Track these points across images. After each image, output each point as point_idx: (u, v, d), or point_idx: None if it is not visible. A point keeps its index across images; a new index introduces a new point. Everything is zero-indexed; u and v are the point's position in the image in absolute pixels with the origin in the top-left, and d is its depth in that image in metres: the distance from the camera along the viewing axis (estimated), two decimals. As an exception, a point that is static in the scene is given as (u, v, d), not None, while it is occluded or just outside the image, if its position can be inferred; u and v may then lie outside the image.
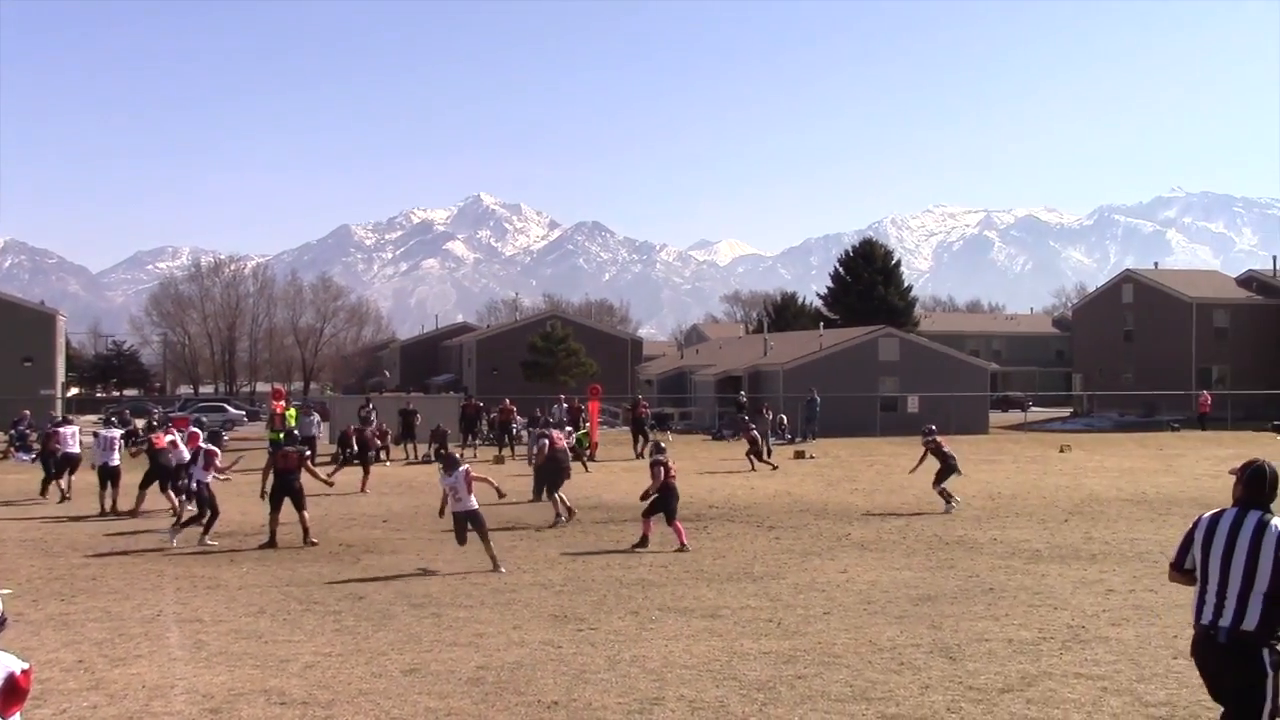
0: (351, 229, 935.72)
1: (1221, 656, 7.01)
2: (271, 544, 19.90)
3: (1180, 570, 7.47)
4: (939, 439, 26.78)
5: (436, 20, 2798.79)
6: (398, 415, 43.80)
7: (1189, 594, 14.94)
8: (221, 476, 21.67)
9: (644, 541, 19.54)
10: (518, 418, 45.54)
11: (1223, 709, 7.24)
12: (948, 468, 25.95)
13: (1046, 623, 13.25)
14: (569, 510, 23.61)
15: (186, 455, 23.54)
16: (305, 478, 20.88)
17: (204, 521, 20.44)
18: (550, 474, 24.42)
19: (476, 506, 17.38)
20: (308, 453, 21.69)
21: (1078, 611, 13.91)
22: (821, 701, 10.00)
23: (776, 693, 10.28)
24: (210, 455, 21.10)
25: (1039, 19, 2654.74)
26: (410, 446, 41.62)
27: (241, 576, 16.92)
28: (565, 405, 44.92)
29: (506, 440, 43.42)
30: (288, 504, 20.30)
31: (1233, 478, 7.51)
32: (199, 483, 20.62)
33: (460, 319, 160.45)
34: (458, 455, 19.21)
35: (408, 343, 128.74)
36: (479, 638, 12.63)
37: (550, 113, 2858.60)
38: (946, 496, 25.61)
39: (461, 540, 17.49)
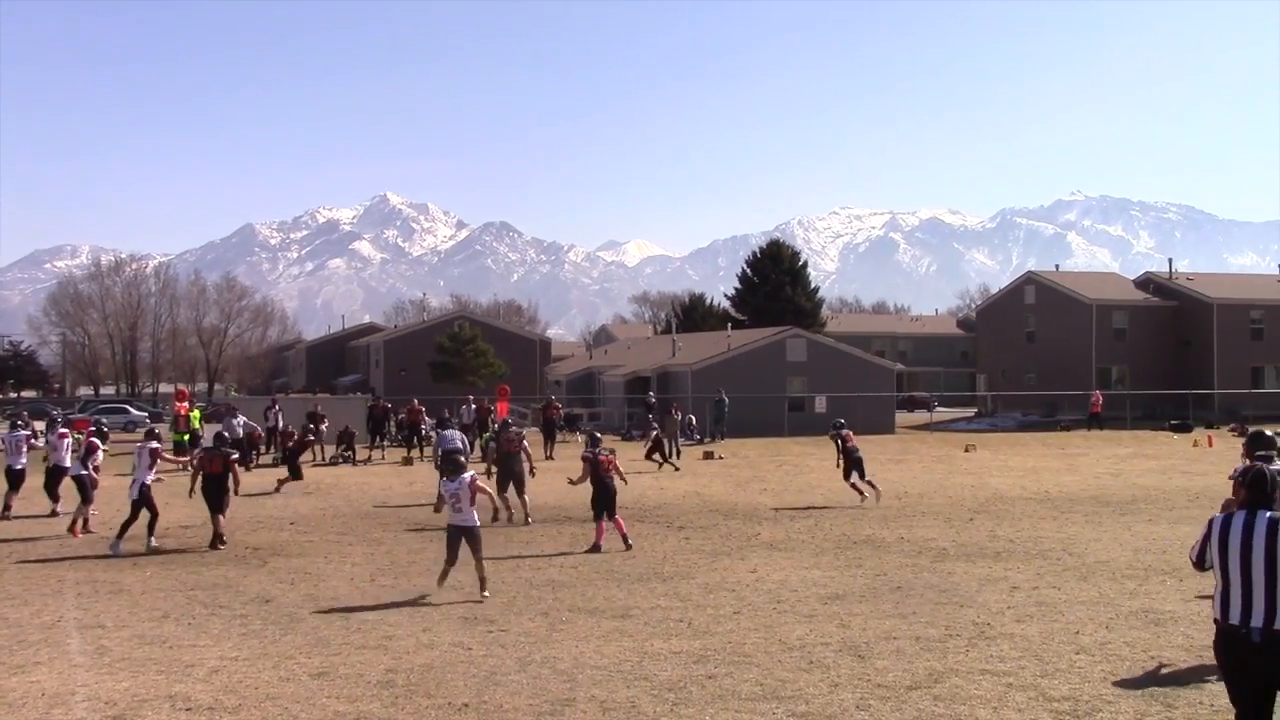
0: (256, 228, 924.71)
1: (1256, 655, 7.17)
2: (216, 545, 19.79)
3: (1202, 568, 7.65)
4: (846, 433, 27.06)
5: (343, 20, 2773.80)
6: (304, 417, 43.33)
7: (1092, 591, 15.26)
8: (155, 479, 21.33)
9: (596, 548, 19.36)
10: (426, 419, 45.24)
11: (1235, 711, 7.41)
12: (852, 461, 26.39)
13: (953, 620, 13.41)
14: (509, 511, 23.62)
15: (66, 459, 23.84)
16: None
17: (149, 523, 20.24)
18: (505, 475, 24.26)
19: (476, 522, 15.51)
20: (235, 455, 21.37)
21: (983, 609, 14.09)
22: (732, 701, 10.04)
23: (687, 693, 10.31)
24: (155, 454, 21.00)
25: (941, 25, 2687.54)
26: (316, 449, 41.18)
27: (145, 581, 16.65)
28: (474, 406, 44.74)
29: (415, 441, 43.10)
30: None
31: (1230, 481, 7.74)
32: (141, 484, 20.33)
33: (367, 319, 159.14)
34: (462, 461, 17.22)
35: (314, 343, 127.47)
36: (388, 640, 12.54)
37: (457, 112, 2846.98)
38: (860, 490, 26.17)
39: (453, 559, 15.32)
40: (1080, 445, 48.09)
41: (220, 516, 20.29)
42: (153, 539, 20.09)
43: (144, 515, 20.20)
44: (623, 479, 21.04)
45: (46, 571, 17.62)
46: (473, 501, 15.45)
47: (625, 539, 19.58)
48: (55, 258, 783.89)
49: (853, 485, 26.51)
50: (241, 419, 39.27)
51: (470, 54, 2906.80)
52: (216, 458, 20.65)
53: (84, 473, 22.69)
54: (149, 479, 20.65)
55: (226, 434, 23.22)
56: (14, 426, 25.72)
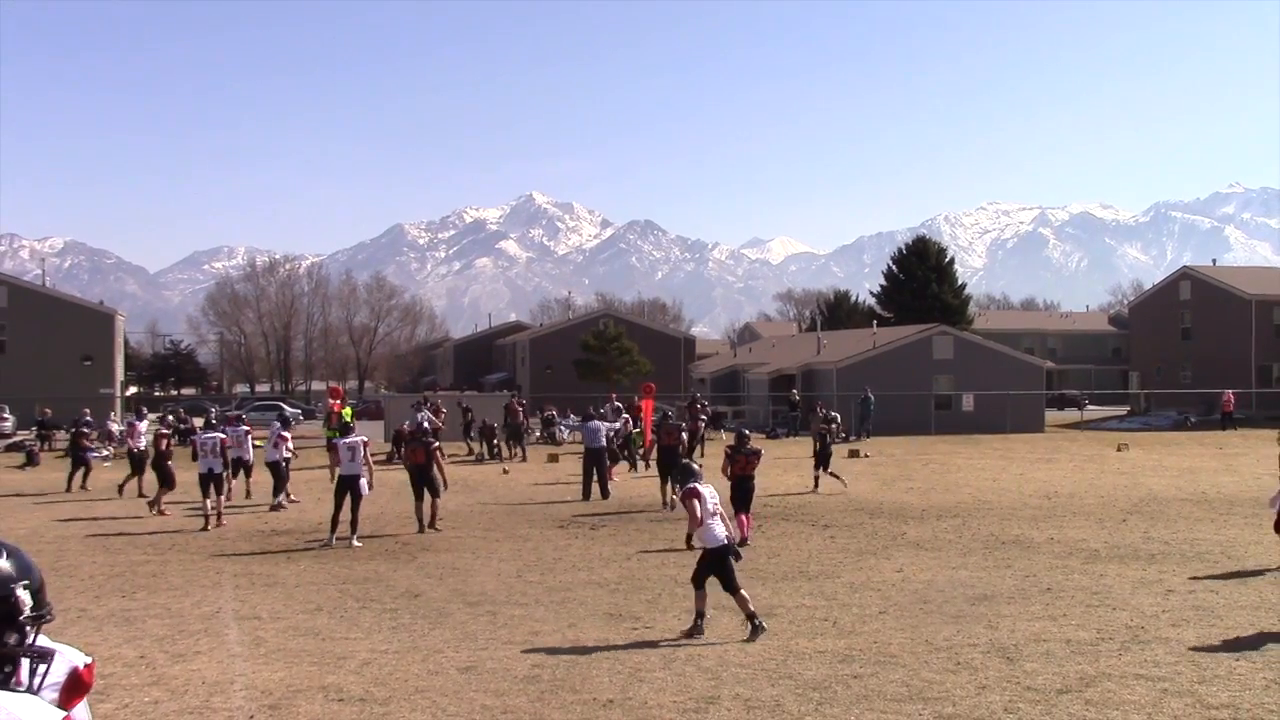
0: (405, 228, 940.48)
1: None
2: (331, 542, 20.15)
3: None
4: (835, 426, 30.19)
5: (491, 21, 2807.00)
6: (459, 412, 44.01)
7: (1252, 595, 14.84)
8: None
9: (743, 542, 19.15)
10: (572, 416, 45.56)
11: None
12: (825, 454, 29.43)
13: (1105, 623, 13.13)
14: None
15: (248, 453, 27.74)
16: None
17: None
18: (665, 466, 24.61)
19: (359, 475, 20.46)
20: (436, 445, 22.85)
21: (1137, 612, 13.78)
22: (877, 701, 9.96)
23: (832, 692, 10.25)
24: (281, 439, 26.54)
25: (1095, 15, 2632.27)
26: (467, 443, 41.83)
27: (299, 574, 17.05)
28: (617, 404, 44.75)
29: (551, 439, 43.33)
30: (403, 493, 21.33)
31: None
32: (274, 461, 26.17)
33: (513, 318, 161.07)
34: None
35: (461, 342, 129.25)
36: (534, 635, 12.67)
37: (602, 111, 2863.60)
38: (838, 476, 28.84)
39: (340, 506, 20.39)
40: (1239, 445, 46.75)
41: (435, 500, 22.12)
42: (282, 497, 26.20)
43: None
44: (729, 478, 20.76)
45: (206, 563, 18.13)
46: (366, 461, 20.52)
47: (745, 539, 19.16)
48: (213, 259, 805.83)
49: (832, 474, 28.92)
50: (425, 414, 39.80)
51: (615, 53, 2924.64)
52: (419, 449, 22.29)
53: (278, 459, 26.68)
54: (279, 455, 26.23)
55: (426, 425, 24.71)
56: (209, 426, 26.42)
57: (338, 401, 43.18)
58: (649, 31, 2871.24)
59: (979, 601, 14.52)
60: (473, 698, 10.18)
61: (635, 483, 31.02)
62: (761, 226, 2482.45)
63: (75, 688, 4.07)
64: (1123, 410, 78.48)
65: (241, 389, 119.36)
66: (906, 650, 11.81)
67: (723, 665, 11.21)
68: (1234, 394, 60.83)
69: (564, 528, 22.35)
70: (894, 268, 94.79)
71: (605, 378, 75.08)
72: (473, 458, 40.38)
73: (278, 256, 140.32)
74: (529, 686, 10.53)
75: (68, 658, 4.10)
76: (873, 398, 52.58)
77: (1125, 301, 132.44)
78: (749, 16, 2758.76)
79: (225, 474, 23.57)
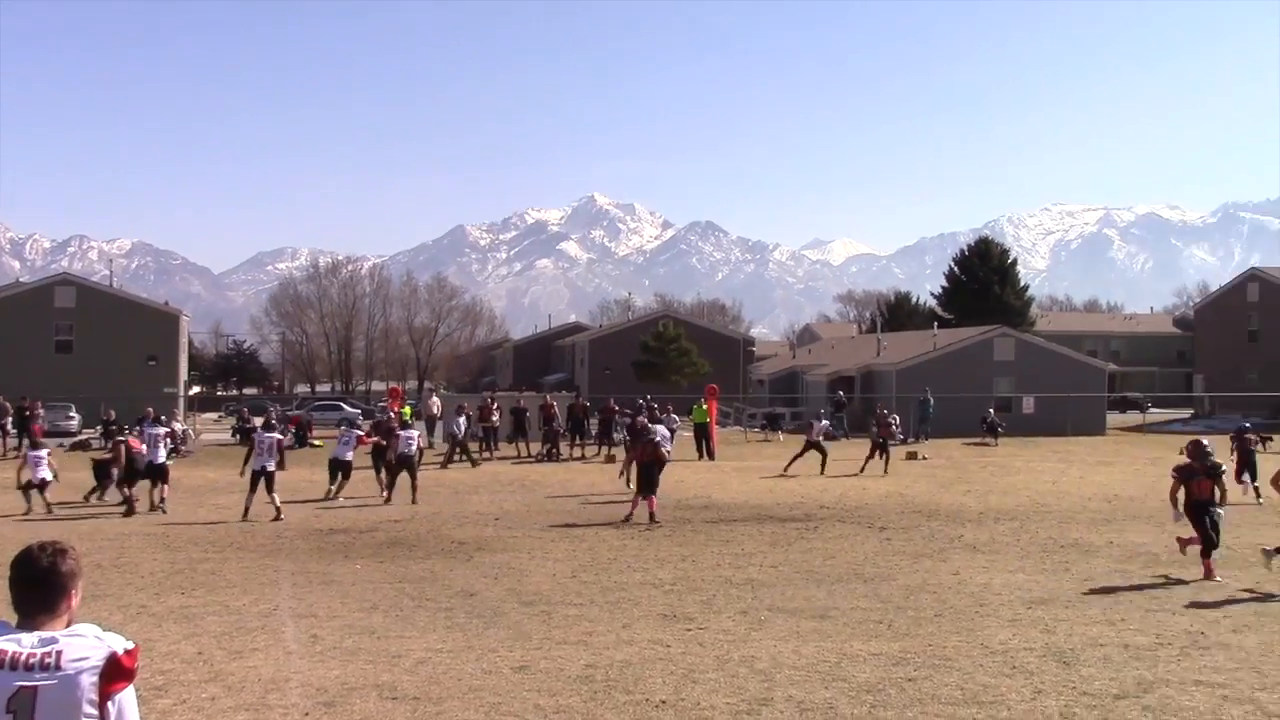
0: (466, 229, 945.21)
1: None
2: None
3: None
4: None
5: (551, 21, 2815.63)
6: (510, 414, 44.11)
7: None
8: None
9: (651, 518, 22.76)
10: (620, 417, 45.55)
11: None
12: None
13: (1164, 628, 12.99)
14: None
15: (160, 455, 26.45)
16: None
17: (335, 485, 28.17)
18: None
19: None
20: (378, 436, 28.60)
21: (1197, 617, 13.62)
22: (932, 705, 9.90)
23: (886, 695, 10.20)
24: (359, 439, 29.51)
25: (1156, 13, 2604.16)
26: (522, 444, 41.91)
27: (355, 572, 17.16)
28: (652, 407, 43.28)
29: (609, 439, 43.33)
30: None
31: None
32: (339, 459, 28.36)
33: (573, 319, 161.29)
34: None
35: (521, 342, 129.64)
36: (588, 636, 12.69)
37: (664, 112, 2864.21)
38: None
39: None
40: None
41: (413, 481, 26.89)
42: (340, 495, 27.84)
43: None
44: None
45: (264, 562, 18.28)
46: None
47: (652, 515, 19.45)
48: (276, 260, 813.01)
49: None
50: (462, 419, 39.92)
51: (676, 54, 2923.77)
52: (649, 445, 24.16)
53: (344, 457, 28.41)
54: (347, 454, 28.35)
55: (456, 431, 27.83)
56: (267, 427, 26.72)
57: (397, 402, 43.62)
58: (710, 32, 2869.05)
59: (1036, 605, 14.40)
60: (526, 697, 10.21)
61: (694, 484, 30.99)
62: (823, 228, 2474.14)
63: (115, 673, 4.14)
64: (1186, 413, 77.59)
65: (302, 389, 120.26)
66: (962, 654, 11.74)
67: (776, 667, 11.19)
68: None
69: (619, 528, 22.37)
70: (955, 269, 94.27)
71: (664, 379, 75.10)
72: (532, 458, 40.44)
73: (340, 257, 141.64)
74: (582, 687, 10.55)
75: (109, 642, 4.17)
76: (932, 399, 52.28)
77: (1191, 304, 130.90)
78: (810, 17, 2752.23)
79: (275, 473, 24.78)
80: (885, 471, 34.56)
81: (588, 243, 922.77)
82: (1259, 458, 29.81)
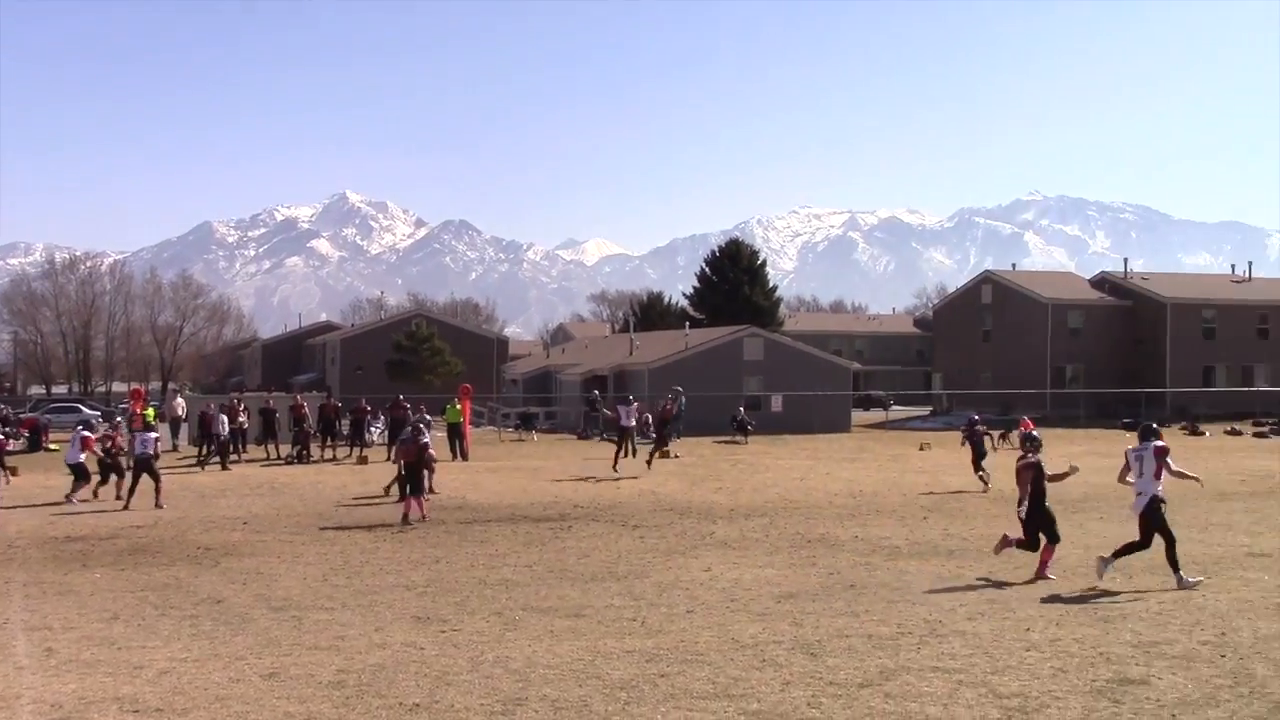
0: (214, 226, 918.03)
1: None
2: None
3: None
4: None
5: (301, 17, 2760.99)
6: (258, 414, 43.08)
7: (1041, 588, 15.38)
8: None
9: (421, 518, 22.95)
10: (381, 415, 44.99)
11: None
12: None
13: (905, 618, 13.46)
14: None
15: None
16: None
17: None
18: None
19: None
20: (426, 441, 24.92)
21: (935, 606, 14.16)
22: (684, 699, 10.04)
23: (640, 691, 10.30)
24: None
25: (896, 27, 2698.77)
26: (272, 446, 40.95)
27: (94, 582, 16.51)
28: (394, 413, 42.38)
29: (360, 440, 42.66)
30: None
31: None
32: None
33: (324, 318, 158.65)
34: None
35: (270, 341, 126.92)
36: (340, 640, 12.48)
37: (418, 110, 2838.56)
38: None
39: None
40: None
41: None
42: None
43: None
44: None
45: (-5, 572, 17.44)
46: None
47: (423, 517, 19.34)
48: (8, 255, 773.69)
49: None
50: (225, 418, 38.92)
51: (429, 52, 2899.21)
52: (411, 447, 23.94)
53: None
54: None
55: (221, 431, 27.93)
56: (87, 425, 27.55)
57: (140, 403, 42.21)
58: (461, 30, 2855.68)
59: (784, 599, 14.75)
60: (275, 705, 9.99)
61: (449, 485, 30.77)
62: (576, 228, 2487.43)
63: None
64: (926, 410, 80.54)
65: (37, 390, 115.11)
66: (713, 648, 11.94)
67: (530, 667, 11.19)
68: (1032, 422, 62.77)
69: (372, 530, 22.09)
70: (707, 270, 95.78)
71: (417, 378, 74.57)
72: (282, 460, 39.55)
73: (78, 253, 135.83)
74: (334, 692, 10.37)
75: None
76: (684, 398, 53.01)
77: (930, 304, 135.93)
78: (561, 16, 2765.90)
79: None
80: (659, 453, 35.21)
81: (339, 241, 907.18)
82: (999, 454, 31.19)
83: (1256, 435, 55.94)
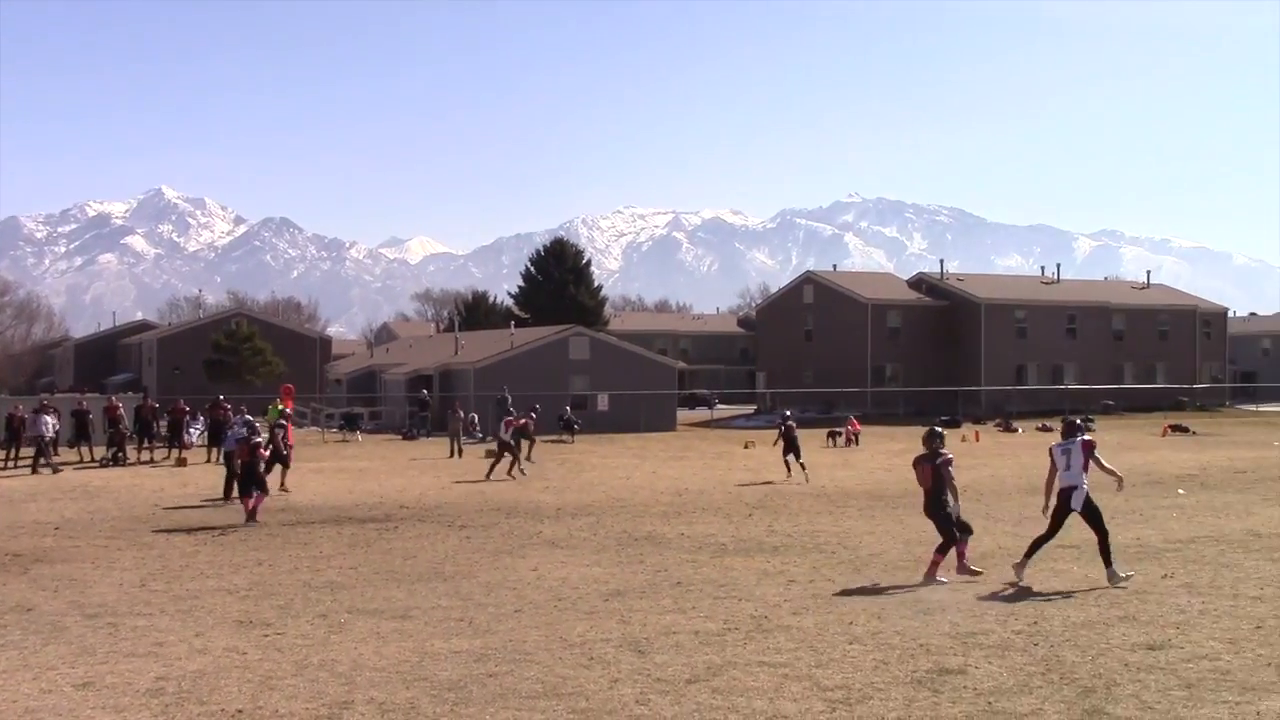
0: (21, 221, 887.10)
1: None
2: None
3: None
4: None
5: (111, 5, 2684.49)
6: (71, 416, 41.79)
7: (864, 581, 15.65)
8: None
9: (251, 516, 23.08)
10: (201, 417, 43.97)
11: None
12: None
13: (731, 614, 13.60)
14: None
15: None
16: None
17: None
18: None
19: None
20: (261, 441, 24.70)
21: (761, 602, 14.34)
22: (513, 699, 10.01)
23: (468, 692, 10.24)
24: None
25: (724, 25, 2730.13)
26: (85, 449, 39.75)
27: (-104, 590, 15.83)
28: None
29: (179, 441, 41.65)
30: None
31: None
32: None
33: (140, 316, 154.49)
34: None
35: (83, 341, 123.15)
36: (159, 647, 12.16)
37: (236, 104, 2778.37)
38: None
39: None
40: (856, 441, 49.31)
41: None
42: None
43: None
44: None
45: None
46: None
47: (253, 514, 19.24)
48: None
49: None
50: (50, 419, 37.53)
51: (247, 46, 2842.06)
52: (245, 447, 23.90)
53: None
54: None
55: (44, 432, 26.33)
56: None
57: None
58: (283, 25, 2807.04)
59: (612, 597, 14.80)
60: (90, 715, 9.69)
61: (274, 487, 30.21)
62: (400, 226, 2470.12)
63: None
64: (750, 409, 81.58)
65: None
66: (541, 648, 11.92)
67: (357, 670, 11.05)
68: (853, 407, 64.09)
69: (192, 534, 21.58)
70: (532, 269, 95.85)
71: (238, 378, 73.12)
72: (96, 463, 38.40)
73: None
74: (152, 700, 10.10)
75: None
76: (510, 397, 52.90)
77: (753, 304, 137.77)
78: (385, 15, 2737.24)
79: None
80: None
81: (155, 238, 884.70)
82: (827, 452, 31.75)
83: (1066, 432, 57.73)
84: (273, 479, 26.66)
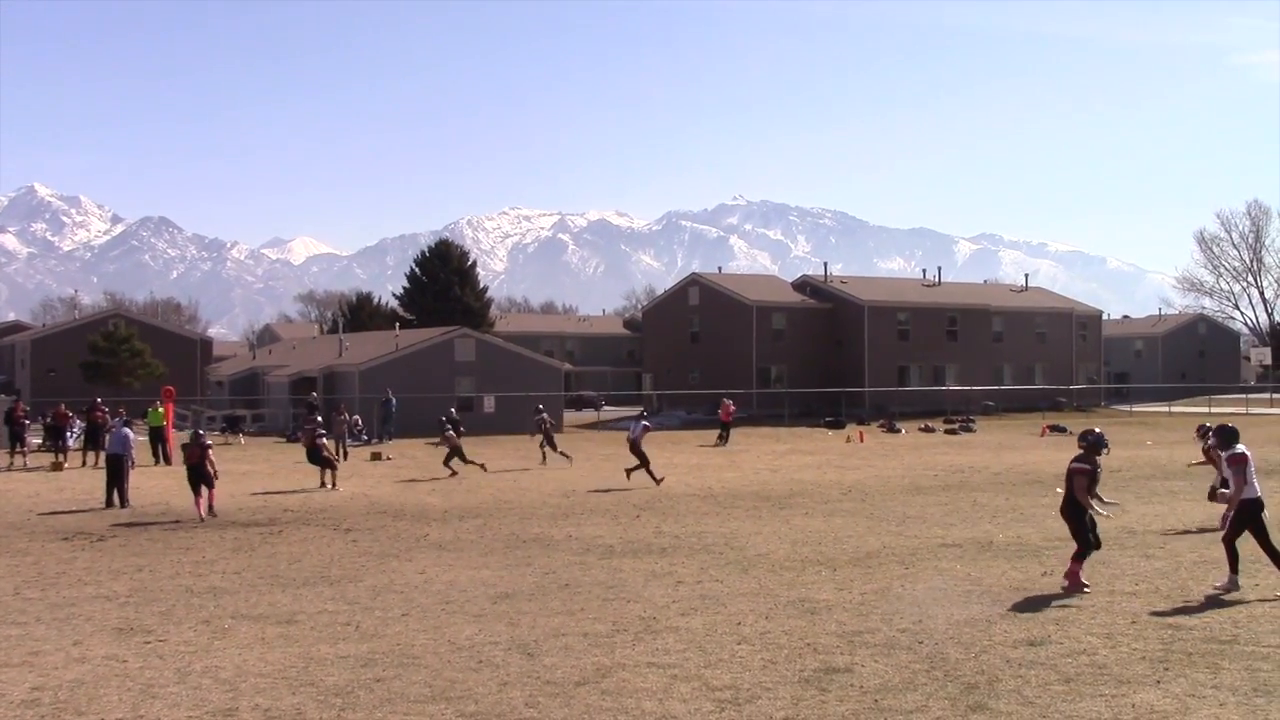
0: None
1: None
2: None
3: None
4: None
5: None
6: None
7: (752, 582, 15.73)
8: None
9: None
10: (78, 422, 43.00)
11: None
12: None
13: (620, 615, 13.62)
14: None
15: None
16: None
17: None
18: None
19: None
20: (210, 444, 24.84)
21: (649, 603, 14.37)
22: (400, 704, 9.93)
23: (355, 697, 10.15)
24: None
25: (607, 28, 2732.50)
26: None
27: None
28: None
29: (59, 445, 40.78)
30: None
31: None
32: None
33: (13, 317, 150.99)
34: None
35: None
36: (34, 656, 11.88)
37: (112, 101, 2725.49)
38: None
39: None
40: (742, 443, 49.66)
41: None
42: None
43: None
44: None
45: None
46: None
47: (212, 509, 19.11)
48: None
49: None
50: None
51: (122, 40, 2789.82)
52: (195, 449, 24.72)
53: None
54: None
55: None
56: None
57: None
58: (157, 20, 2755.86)
59: (500, 600, 14.75)
60: (-37, 726, 9.45)
61: (151, 491, 29.68)
62: (282, 226, 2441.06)
63: None
64: (637, 410, 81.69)
65: None
66: (429, 651, 11.85)
67: (241, 676, 10.89)
68: (733, 404, 64.41)
69: (69, 540, 21.11)
70: (417, 270, 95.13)
71: (116, 381, 71.74)
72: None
73: None
74: (27, 711, 9.87)
75: None
76: (394, 400, 52.50)
77: (639, 306, 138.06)
78: (265, 12, 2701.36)
79: None
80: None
81: (28, 236, 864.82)
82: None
83: (948, 432, 58.66)
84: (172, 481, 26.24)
